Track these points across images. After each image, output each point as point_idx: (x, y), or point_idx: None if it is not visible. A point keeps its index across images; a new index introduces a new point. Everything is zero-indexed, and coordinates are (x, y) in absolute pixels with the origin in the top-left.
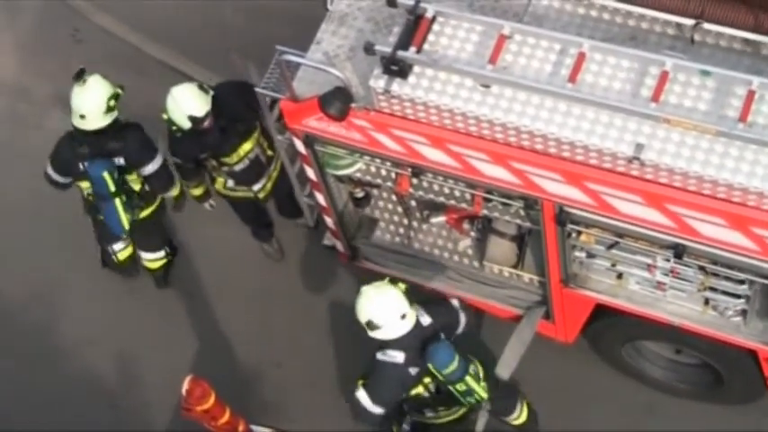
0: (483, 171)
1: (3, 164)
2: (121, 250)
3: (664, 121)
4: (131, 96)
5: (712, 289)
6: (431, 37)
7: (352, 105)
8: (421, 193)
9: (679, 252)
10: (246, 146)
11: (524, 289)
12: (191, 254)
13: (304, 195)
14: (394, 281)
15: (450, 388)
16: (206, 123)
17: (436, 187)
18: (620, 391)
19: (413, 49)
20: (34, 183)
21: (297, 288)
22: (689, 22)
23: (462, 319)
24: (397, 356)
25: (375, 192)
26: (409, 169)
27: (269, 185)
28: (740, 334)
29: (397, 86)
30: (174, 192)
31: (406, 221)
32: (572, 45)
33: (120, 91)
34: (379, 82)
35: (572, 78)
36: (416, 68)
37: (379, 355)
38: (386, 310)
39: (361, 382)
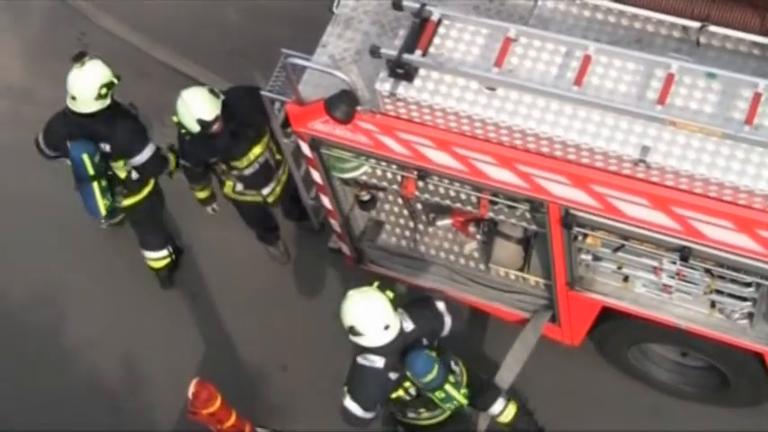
0: (489, 174)
1: (6, 165)
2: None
3: (669, 124)
4: (136, 97)
5: (719, 292)
6: (436, 40)
7: (358, 108)
8: (427, 196)
9: (685, 255)
10: (257, 150)
11: (530, 292)
12: (195, 256)
13: (310, 198)
14: (382, 287)
15: (429, 394)
16: (215, 127)
17: (442, 190)
18: (627, 393)
19: (418, 52)
20: (38, 185)
21: (302, 291)
22: (695, 24)
23: (447, 322)
24: (378, 362)
25: (381, 195)
26: (415, 172)
27: (278, 189)
28: (746, 337)
29: (402, 89)
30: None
31: (411, 224)
32: (578, 48)
33: (115, 80)
34: (384, 85)
35: (578, 81)
36: (422, 71)
37: (360, 359)
38: (370, 319)
39: (346, 388)
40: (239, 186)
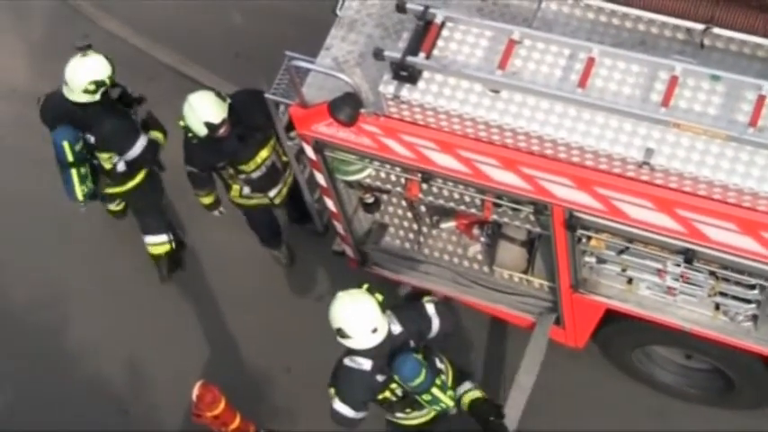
0: (493, 176)
1: (11, 168)
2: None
3: (673, 126)
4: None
5: (723, 294)
6: (440, 42)
7: (362, 111)
8: (431, 198)
9: (689, 257)
10: (264, 153)
11: (534, 294)
12: (199, 258)
13: (314, 201)
14: (371, 290)
15: (416, 397)
16: (222, 131)
17: (446, 193)
18: (631, 396)
19: (422, 54)
20: (41, 186)
21: (306, 293)
22: (699, 26)
23: (435, 325)
24: (365, 364)
25: (385, 197)
26: (419, 175)
27: (284, 191)
28: (751, 339)
29: (406, 92)
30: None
31: (415, 227)
32: (581, 50)
33: (107, 81)
34: (388, 87)
35: (581, 83)
36: (426, 74)
37: (347, 361)
38: (358, 322)
39: (333, 390)
40: (246, 190)
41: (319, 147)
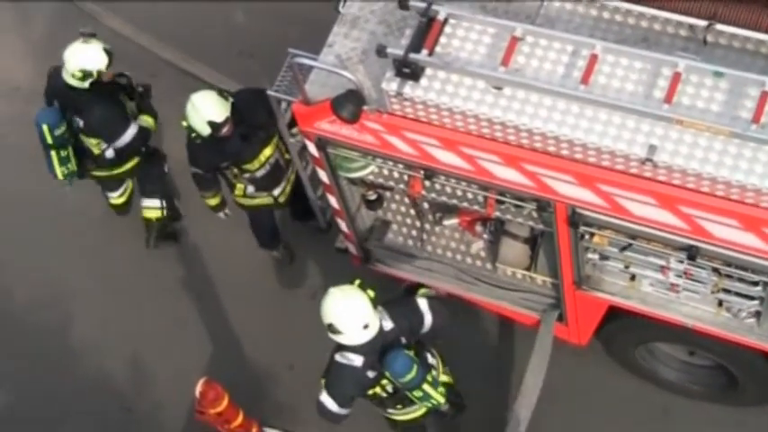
0: (495, 173)
1: (12, 167)
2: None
3: (676, 123)
4: None
5: (726, 290)
6: (443, 39)
7: (365, 108)
8: (433, 195)
9: (692, 254)
10: (267, 151)
11: (537, 291)
12: (202, 255)
13: (316, 198)
14: (363, 286)
15: (407, 393)
16: (225, 130)
17: (449, 190)
18: (635, 393)
19: (425, 51)
20: (43, 186)
21: (309, 290)
22: (702, 23)
23: (427, 320)
24: (356, 360)
25: (387, 194)
26: (422, 172)
27: (288, 189)
28: (754, 335)
29: (409, 89)
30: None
31: (418, 224)
32: (584, 47)
33: (94, 73)
34: (391, 84)
35: (584, 80)
36: (429, 71)
37: (338, 357)
38: (349, 318)
39: (323, 381)
40: (250, 189)
41: (322, 144)
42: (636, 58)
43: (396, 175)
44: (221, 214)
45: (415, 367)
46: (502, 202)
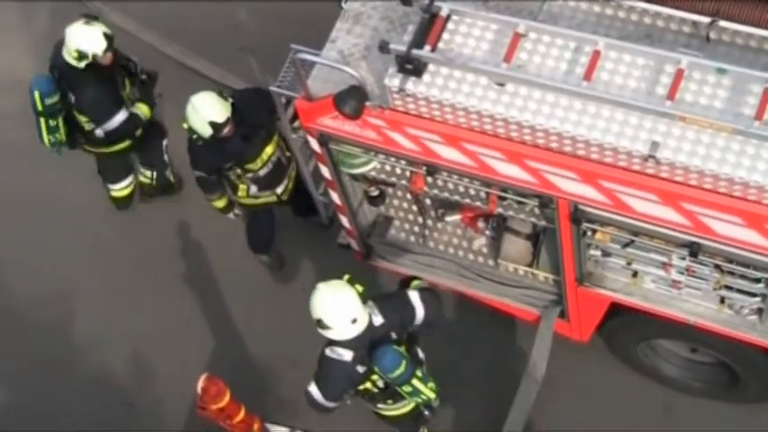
0: (498, 169)
1: (17, 164)
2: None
3: (679, 120)
4: None
5: (728, 287)
6: (445, 35)
7: (367, 104)
8: (436, 191)
9: (694, 251)
10: (269, 149)
11: (539, 288)
12: (204, 252)
13: (319, 194)
14: (351, 281)
15: (397, 388)
16: (227, 130)
17: (451, 186)
18: (636, 390)
19: (427, 47)
20: (49, 182)
21: (311, 287)
22: (704, 19)
23: (419, 314)
24: (345, 355)
25: (390, 190)
26: (424, 168)
27: (290, 186)
28: (756, 332)
29: (411, 85)
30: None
31: (420, 220)
32: (587, 43)
33: (89, 55)
34: (393, 80)
35: (587, 76)
36: (431, 67)
37: (328, 352)
38: (337, 313)
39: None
40: (253, 189)
41: (324, 140)
42: (639, 55)
43: (398, 171)
44: (231, 215)
45: (404, 363)
46: (504, 199)
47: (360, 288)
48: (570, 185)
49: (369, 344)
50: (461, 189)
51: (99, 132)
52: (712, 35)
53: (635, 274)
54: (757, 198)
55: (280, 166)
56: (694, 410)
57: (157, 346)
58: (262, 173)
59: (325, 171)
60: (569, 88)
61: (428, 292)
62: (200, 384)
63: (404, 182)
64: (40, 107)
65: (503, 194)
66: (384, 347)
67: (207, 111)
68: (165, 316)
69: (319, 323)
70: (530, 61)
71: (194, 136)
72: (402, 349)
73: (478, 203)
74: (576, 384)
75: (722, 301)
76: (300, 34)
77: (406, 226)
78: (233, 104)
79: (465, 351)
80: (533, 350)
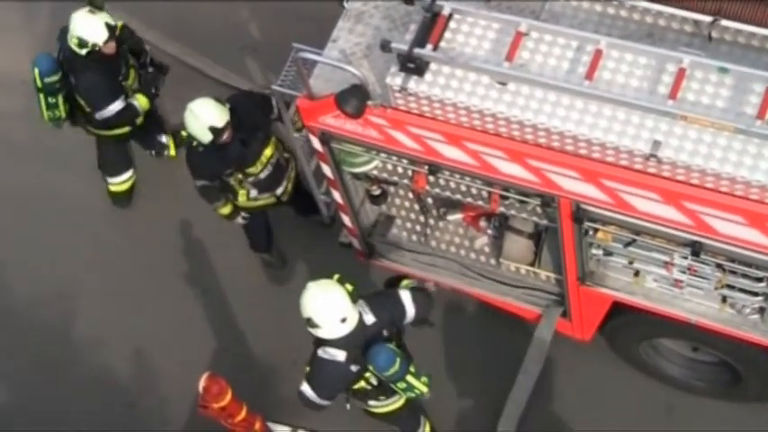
0: (499, 168)
1: (19, 162)
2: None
3: (681, 119)
4: None
5: (730, 287)
6: (447, 34)
7: (369, 103)
8: (437, 190)
9: (696, 250)
10: (268, 152)
11: (541, 287)
12: (206, 251)
13: (321, 193)
14: (341, 280)
15: (391, 385)
16: (226, 135)
17: (453, 185)
18: (638, 389)
19: (429, 46)
20: (49, 181)
21: None
22: (706, 18)
23: (409, 313)
24: (338, 355)
25: (392, 189)
26: (426, 167)
27: (289, 186)
28: (758, 331)
29: (413, 84)
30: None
31: (422, 219)
32: (589, 42)
33: (89, 44)
34: (395, 79)
35: (589, 75)
36: (433, 66)
37: (320, 353)
38: (327, 312)
39: (307, 370)
40: (253, 192)
41: (326, 139)
42: (640, 54)
43: (400, 170)
44: (239, 219)
45: (399, 360)
46: (506, 198)
47: (350, 287)
48: (572, 184)
49: (362, 343)
50: (463, 188)
51: (98, 116)
52: (714, 34)
53: (637, 273)
54: (759, 197)
55: (279, 167)
56: (696, 410)
57: (158, 346)
58: (262, 175)
59: (327, 170)
60: (571, 87)
61: (419, 293)
62: (202, 383)
63: (406, 181)
64: (39, 84)
65: (504, 193)
66: (378, 346)
67: (206, 116)
68: (166, 315)
69: (309, 322)
70: (532, 60)
71: (194, 143)
72: (394, 346)
73: (480, 202)
74: (577, 384)
75: (724, 300)
76: (302, 33)
77: (408, 225)
78: (230, 109)
79: (465, 349)
80: (531, 343)
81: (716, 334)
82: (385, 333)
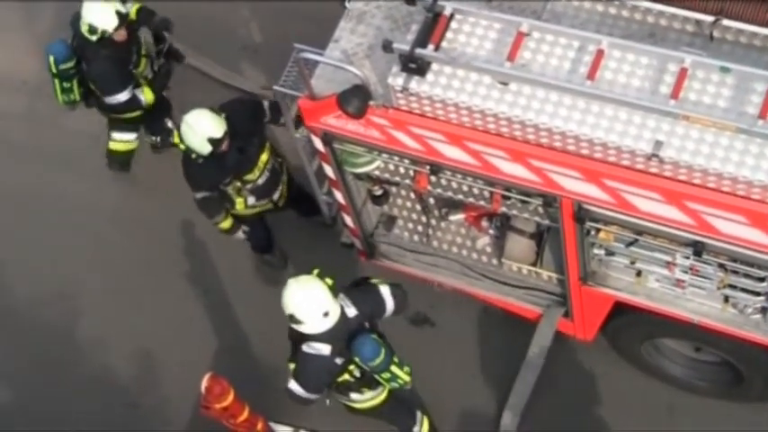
0: (501, 168)
1: (21, 162)
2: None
3: (683, 119)
4: None
5: (732, 286)
6: (449, 34)
7: (371, 103)
8: (439, 190)
9: (698, 250)
10: (264, 157)
11: (543, 287)
12: (208, 251)
13: (322, 193)
14: (321, 275)
15: (375, 376)
16: (225, 145)
17: (455, 185)
18: (640, 389)
19: (431, 46)
20: (51, 181)
21: None
22: (708, 18)
23: (389, 306)
24: (323, 349)
25: (393, 189)
26: (428, 167)
27: (284, 190)
28: (760, 331)
29: (415, 84)
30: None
31: (424, 219)
32: (591, 42)
33: (99, 30)
34: (397, 80)
35: (591, 76)
36: (435, 66)
37: (305, 348)
38: (308, 307)
39: (291, 366)
40: (251, 200)
41: (328, 139)
42: (642, 54)
43: (401, 170)
44: (240, 234)
45: (383, 350)
46: (508, 198)
47: (330, 281)
48: (574, 184)
49: (346, 336)
50: (465, 188)
51: (106, 102)
52: (716, 34)
53: (639, 273)
54: (761, 197)
55: (274, 172)
56: (698, 410)
57: (160, 346)
58: (260, 181)
59: (329, 170)
60: (573, 87)
61: (397, 288)
62: (204, 384)
63: (407, 181)
64: (54, 70)
65: (506, 194)
66: (362, 337)
67: (204, 128)
68: (167, 315)
69: (291, 318)
70: (533, 60)
71: (193, 155)
72: (377, 337)
73: (482, 203)
74: (579, 384)
75: (726, 300)
76: (304, 33)
77: (410, 225)
78: (226, 118)
79: (467, 350)
80: (532, 344)
81: (718, 334)
82: (366, 325)
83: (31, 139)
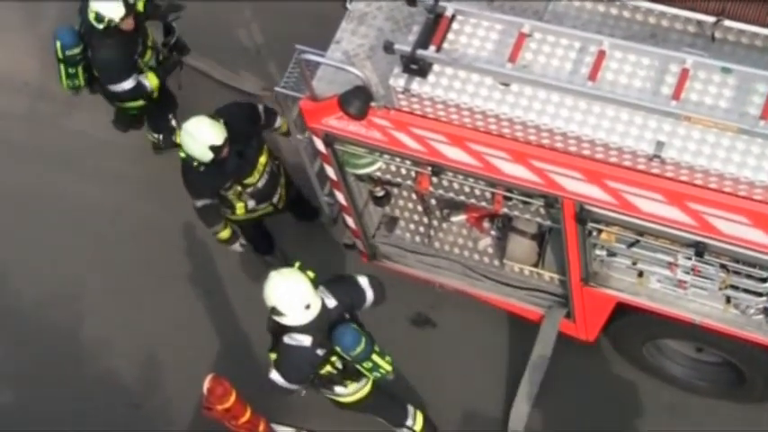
0: (503, 169)
1: (21, 162)
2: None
3: (684, 119)
4: None
5: (734, 287)
6: (450, 36)
7: (372, 104)
8: (441, 191)
9: (700, 250)
10: (263, 159)
11: (545, 288)
12: (209, 252)
13: (324, 194)
14: (302, 268)
15: (357, 366)
16: (225, 151)
17: (456, 186)
18: (642, 389)
19: (432, 47)
20: (52, 182)
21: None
22: (710, 19)
23: (369, 297)
24: (304, 340)
25: (395, 190)
26: (429, 168)
27: (283, 193)
28: (762, 332)
29: (416, 85)
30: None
31: (426, 220)
32: (592, 43)
33: (106, 19)
34: (398, 81)
35: (592, 76)
36: (436, 67)
37: (287, 339)
38: (290, 300)
39: (273, 357)
40: (251, 203)
41: (329, 140)
42: (644, 55)
43: (403, 171)
44: (237, 246)
45: (364, 339)
46: (509, 199)
47: (311, 274)
48: (575, 185)
49: (326, 327)
50: (467, 189)
51: (110, 90)
52: (717, 34)
53: (640, 273)
54: (763, 197)
55: (273, 174)
56: (700, 410)
57: (161, 347)
58: (261, 184)
59: (331, 172)
60: (574, 88)
61: (374, 279)
62: (206, 385)
63: (409, 182)
64: (60, 55)
65: (508, 194)
66: (343, 327)
67: (205, 135)
68: (169, 316)
69: (273, 311)
70: (534, 61)
71: (195, 163)
72: (357, 326)
73: (484, 203)
74: (581, 384)
75: (728, 300)
76: (305, 34)
77: (412, 226)
78: (225, 123)
79: (468, 350)
80: (535, 344)
81: (720, 334)
82: (346, 316)
83: (31, 139)
